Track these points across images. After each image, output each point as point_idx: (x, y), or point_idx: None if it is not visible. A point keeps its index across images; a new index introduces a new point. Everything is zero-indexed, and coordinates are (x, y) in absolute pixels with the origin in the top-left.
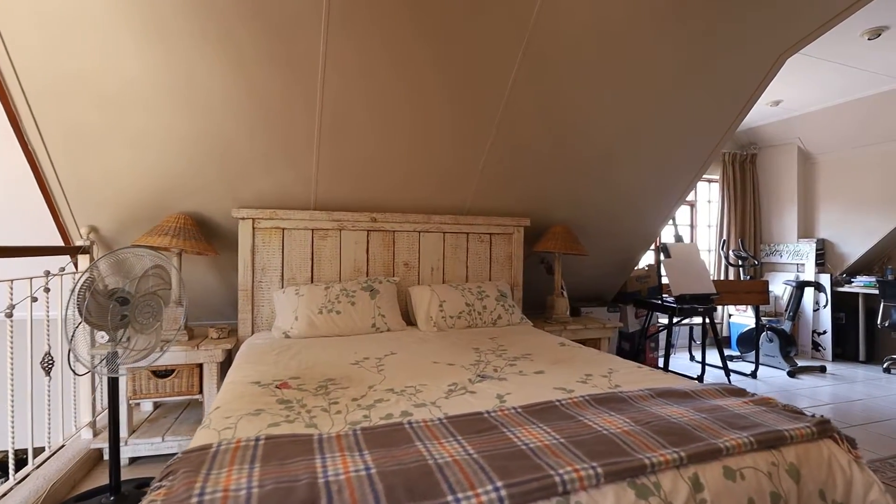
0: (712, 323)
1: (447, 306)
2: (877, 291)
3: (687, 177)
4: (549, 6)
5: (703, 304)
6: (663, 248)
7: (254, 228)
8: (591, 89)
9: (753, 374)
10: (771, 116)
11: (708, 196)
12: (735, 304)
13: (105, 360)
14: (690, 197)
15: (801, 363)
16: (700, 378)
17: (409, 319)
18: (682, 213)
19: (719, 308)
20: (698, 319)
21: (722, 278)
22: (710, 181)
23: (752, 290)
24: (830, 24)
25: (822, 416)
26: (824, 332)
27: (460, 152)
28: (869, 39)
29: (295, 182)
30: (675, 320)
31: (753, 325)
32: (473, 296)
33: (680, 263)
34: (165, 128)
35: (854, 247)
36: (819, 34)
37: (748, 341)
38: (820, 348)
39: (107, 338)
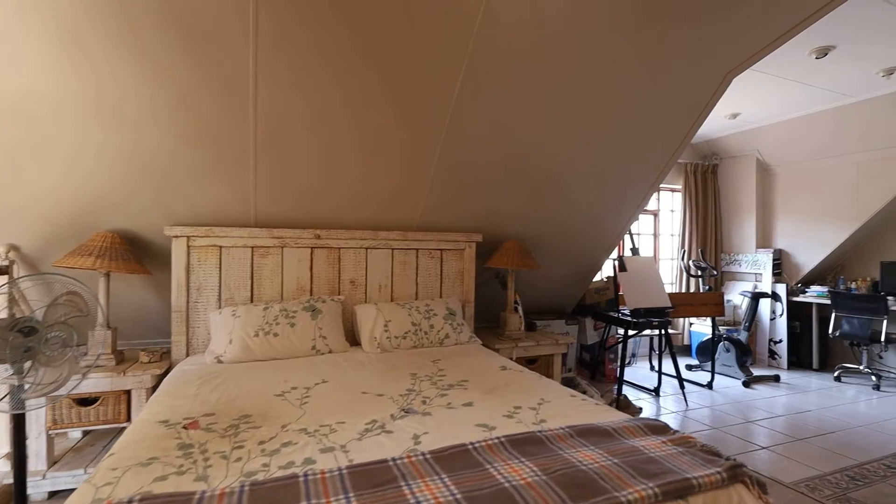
0: (667, 335)
1: (392, 326)
2: (829, 301)
3: (641, 192)
4: (490, 22)
5: (658, 317)
6: (620, 262)
7: (188, 246)
8: (538, 106)
9: (709, 385)
10: (730, 128)
11: (671, 205)
12: (691, 317)
13: (8, 395)
14: (653, 206)
15: (756, 372)
16: (656, 390)
17: (356, 339)
18: (646, 222)
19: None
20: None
21: (684, 288)
22: (672, 191)
23: (708, 303)
24: (773, 46)
25: (734, 459)
26: (780, 341)
27: (407, 168)
28: (817, 58)
29: (232, 198)
30: (630, 333)
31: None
32: (421, 315)
33: (636, 277)
34: (84, 141)
35: (809, 257)
36: (762, 55)
37: (707, 350)
38: (776, 356)
39: (11, 370)
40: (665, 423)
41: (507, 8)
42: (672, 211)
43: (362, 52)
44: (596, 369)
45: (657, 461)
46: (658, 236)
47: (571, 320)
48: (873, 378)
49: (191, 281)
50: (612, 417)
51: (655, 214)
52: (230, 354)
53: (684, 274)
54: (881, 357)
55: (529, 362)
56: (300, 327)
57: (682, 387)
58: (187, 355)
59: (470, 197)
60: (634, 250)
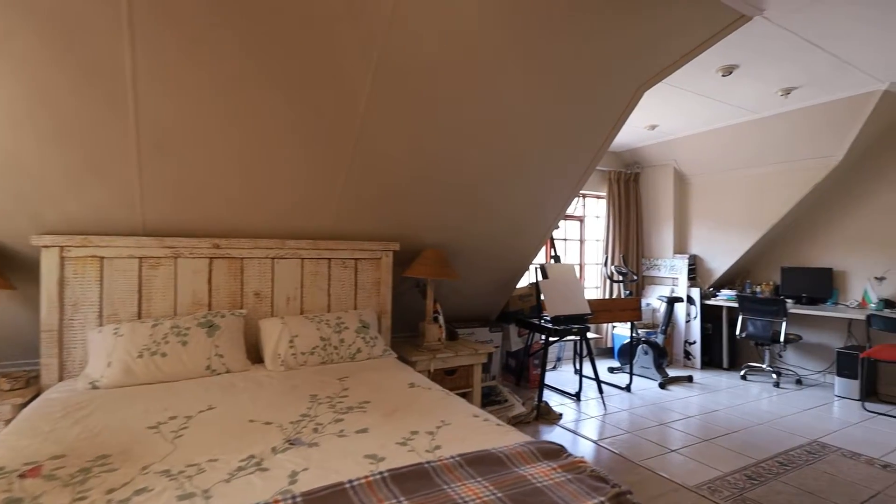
0: (586, 341)
1: (299, 341)
2: (737, 305)
3: (561, 199)
4: (399, 25)
5: (578, 323)
6: (541, 269)
7: (62, 257)
8: (452, 116)
9: (628, 388)
10: (650, 139)
11: (596, 212)
12: (610, 322)
13: None
14: (579, 212)
15: (672, 373)
16: (577, 395)
17: (260, 356)
18: (572, 227)
19: None
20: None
21: (608, 292)
22: (598, 197)
23: (627, 308)
24: (678, 64)
25: (620, 486)
26: (694, 342)
27: (316, 175)
28: (723, 76)
29: (114, 204)
30: (552, 340)
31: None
32: (331, 328)
33: (556, 284)
34: None
35: (720, 263)
36: (669, 72)
37: (628, 353)
38: (691, 357)
39: None
40: (560, 446)
41: (416, 14)
42: (597, 217)
43: (255, 53)
44: (521, 375)
45: (542, 492)
46: (584, 242)
47: (496, 327)
48: (774, 376)
49: (65, 296)
50: (508, 441)
51: (581, 220)
52: (108, 379)
53: (607, 282)
54: (781, 356)
55: (448, 373)
56: (193, 345)
57: (600, 391)
58: (60, 380)
59: (386, 205)
60: (556, 258)
